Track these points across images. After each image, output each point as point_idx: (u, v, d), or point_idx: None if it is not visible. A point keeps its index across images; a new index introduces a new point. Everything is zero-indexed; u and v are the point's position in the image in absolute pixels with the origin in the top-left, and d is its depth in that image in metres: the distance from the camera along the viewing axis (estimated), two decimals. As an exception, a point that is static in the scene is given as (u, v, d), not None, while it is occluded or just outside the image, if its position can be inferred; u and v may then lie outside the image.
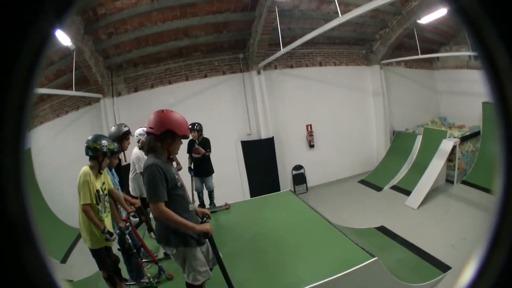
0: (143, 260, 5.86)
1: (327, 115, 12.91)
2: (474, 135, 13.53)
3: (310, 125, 12.51)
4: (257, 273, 5.76)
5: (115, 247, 5.41)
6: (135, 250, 5.44)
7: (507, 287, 0.66)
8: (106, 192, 5.23)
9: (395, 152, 13.97)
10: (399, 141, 14.23)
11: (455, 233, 9.62)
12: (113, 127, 6.30)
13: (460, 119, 14.97)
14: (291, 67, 12.24)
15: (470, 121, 14.33)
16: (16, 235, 0.65)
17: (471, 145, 13.43)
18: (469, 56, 14.14)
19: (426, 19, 11.40)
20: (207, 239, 4.00)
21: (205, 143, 8.43)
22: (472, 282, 0.69)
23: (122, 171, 6.54)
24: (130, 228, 5.44)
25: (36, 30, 0.63)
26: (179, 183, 3.85)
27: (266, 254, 6.37)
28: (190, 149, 8.44)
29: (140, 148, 6.52)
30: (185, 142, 5.14)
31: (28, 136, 0.68)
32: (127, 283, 5.66)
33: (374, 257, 5.73)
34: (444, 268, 8.10)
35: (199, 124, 8.34)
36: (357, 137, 13.92)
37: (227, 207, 8.55)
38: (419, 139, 13.46)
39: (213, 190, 8.80)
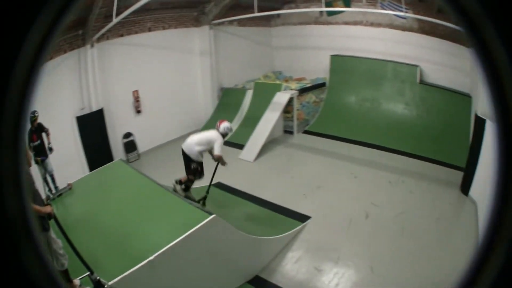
0: None
1: (153, 80, 12.32)
2: (318, 86, 14.12)
3: (137, 91, 12.06)
4: (104, 249, 5.57)
5: None
6: None
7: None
8: None
9: (223, 109, 13.96)
10: (228, 98, 14.28)
11: (304, 182, 9.98)
12: None
13: (301, 72, 15.52)
14: (121, 35, 11.69)
15: (314, 73, 14.93)
16: (14, 234, 0.65)
17: (313, 96, 14.01)
18: (320, 12, 14.76)
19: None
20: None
21: (42, 127, 8.38)
22: (471, 282, 0.69)
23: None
24: None
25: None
26: None
27: (110, 229, 6.11)
28: (30, 138, 8.19)
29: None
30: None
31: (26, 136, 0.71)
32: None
33: (212, 214, 5.67)
34: (302, 218, 8.29)
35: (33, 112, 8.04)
36: (184, 97, 13.70)
37: (69, 187, 8.05)
38: (249, 94, 13.62)
39: (53, 173, 8.68)
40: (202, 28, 13.75)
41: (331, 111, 13.55)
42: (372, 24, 14.09)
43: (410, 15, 12.15)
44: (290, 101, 12.76)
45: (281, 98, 12.38)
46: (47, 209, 4.07)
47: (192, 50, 13.81)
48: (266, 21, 16.33)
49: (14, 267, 0.65)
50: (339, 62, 14.27)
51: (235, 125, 13.04)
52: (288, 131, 13.37)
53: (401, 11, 11.42)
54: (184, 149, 7.84)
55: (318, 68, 14.74)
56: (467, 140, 9.83)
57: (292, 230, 7.82)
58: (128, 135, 11.99)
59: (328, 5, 14.10)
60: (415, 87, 12.74)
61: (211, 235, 5.78)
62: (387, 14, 13.04)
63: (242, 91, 14.10)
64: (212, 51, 13.95)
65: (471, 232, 7.54)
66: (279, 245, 7.53)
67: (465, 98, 11.29)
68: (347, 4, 13.86)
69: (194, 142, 7.74)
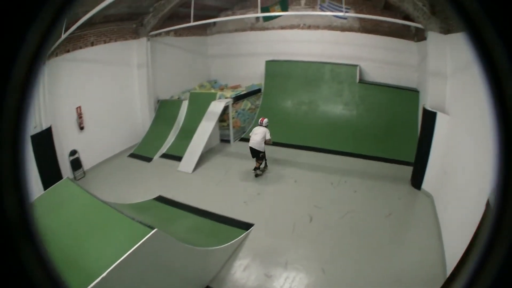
0: None
1: (95, 95, 12.09)
2: (253, 93, 13.97)
3: (80, 107, 11.74)
4: (59, 270, 5.04)
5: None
6: None
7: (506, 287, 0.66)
8: None
9: (160, 121, 13.70)
10: (164, 109, 14.01)
11: (244, 190, 9.89)
12: None
13: (237, 80, 15.37)
14: (68, 51, 11.39)
15: (249, 80, 14.80)
16: (14, 234, 0.66)
17: (249, 103, 13.82)
18: (256, 18, 14.64)
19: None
20: None
21: None
22: (470, 283, 0.69)
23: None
24: None
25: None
26: None
27: (62, 250, 5.71)
28: None
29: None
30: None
31: (26, 135, 0.66)
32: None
33: (154, 229, 5.54)
34: (245, 226, 8.23)
35: None
36: (124, 111, 13.38)
37: None
38: (185, 104, 13.42)
39: None
40: (140, 40, 13.52)
41: (267, 117, 13.27)
42: (309, 27, 14.19)
43: (351, 14, 12.19)
44: (226, 109, 12.60)
45: (216, 107, 12.20)
46: None
47: (130, 62, 13.59)
48: (202, 30, 16.31)
49: (14, 267, 0.64)
50: (274, 67, 14.22)
51: (172, 137, 12.85)
52: (225, 140, 13.19)
53: (341, 11, 11.34)
54: (254, 147, 10.31)
55: (253, 74, 14.70)
56: (415, 134, 9.88)
57: (236, 239, 7.70)
58: (73, 152, 11.61)
59: (264, 10, 13.93)
60: (354, 86, 12.76)
61: (155, 249, 5.77)
62: (325, 15, 13.04)
63: (178, 102, 13.80)
64: (149, 63, 13.68)
65: (429, 224, 7.65)
66: (225, 254, 7.42)
67: (411, 93, 11.38)
68: (284, 8, 13.75)
69: (259, 139, 10.24)
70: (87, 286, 4.64)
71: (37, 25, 0.63)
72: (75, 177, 11.36)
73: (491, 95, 0.67)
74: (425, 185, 8.87)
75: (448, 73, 8.52)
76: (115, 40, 12.82)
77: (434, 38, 8.83)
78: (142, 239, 5.36)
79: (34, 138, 10.19)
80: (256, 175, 10.42)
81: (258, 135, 10.29)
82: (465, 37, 0.68)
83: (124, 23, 13.09)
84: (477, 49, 0.67)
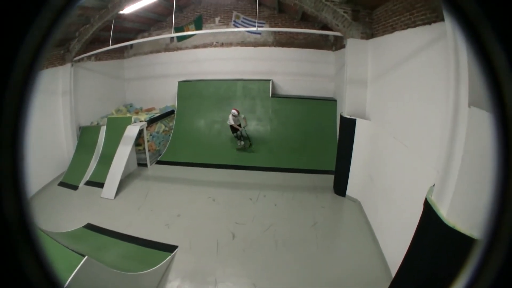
0: None
1: None
2: (166, 115, 14.11)
3: None
4: None
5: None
6: None
7: None
8: None
9: (83, 148, 13.53)
10: (85, 136, 13.86)
11: (164, 212, 9.92)
12: None
13: (151, 103, 15.45)
14: None
15: (163, 102, 14.92)
16: (13, 236, 0.65)
17: (163, 125, 13.92)
18: (170, 38, 14.81)
19: (129, 9, 11.41)
20: None
21: None
22: (470, 284, 0.69)
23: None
24: None
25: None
26: None
27: None
28: None
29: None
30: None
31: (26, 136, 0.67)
32: None
33: (84, 256, 5.42)
34: (169, 248, 8.22)
35: None
36: (49, 140, 13.03)
37: None
38: (103, 130, 13.34)
39: None
40: (65, 66, 13.29)
41: (181, 138, 13.58)
42: (222, 45, 14.41)
43: (264, 29, 12.50)
44: (141, 133, 12.67)
45: (131, 131, 12.22)
46: None
47: (56, 90, 13.29)
48: (120, 53, 16.23)
49: (13, 269, 0.64)
50: (186, 87, 14.38)
51: (93, 163, 12.80)
52: (142, 164, 13.23)
53: (254, 26, 11.59)
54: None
55: (166, 96, 14.88)
56: (333, 143, 10.10)
57: (163, 262, 7.69)
58: None
59: (178, 30, 14.17)
60: (267, 101, 13.13)
61: (91, 277, 5.63)
62: (239, 32, 13.31)
63: (96, 128, 13.66)
64: (71, 89, 13.49)
65: (361, 229, 7.88)
66: (155, 278, 7.41)
67: (329, 102, 11.74)
68: (198, 27, 13.98)
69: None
70: None
71: (36, 26, 0.64)
72: None
73: (490, 96, 0.68)
74: (350, 191, 9.12)
75: (368, 79, 8.75)
76: (46, 67, 12.49)
77: (354, 44, 8.91)
78: (75, 267, 5.23)
79: None
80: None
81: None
82: (464, 38, 0.69)
83: (54, 49, 12.78)
84: (475, 50, 0.67)
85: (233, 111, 12.31)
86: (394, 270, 5.57)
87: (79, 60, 13.55)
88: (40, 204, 11.10)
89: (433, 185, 4.43)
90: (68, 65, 13.27)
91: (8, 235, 0.66)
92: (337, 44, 11.88)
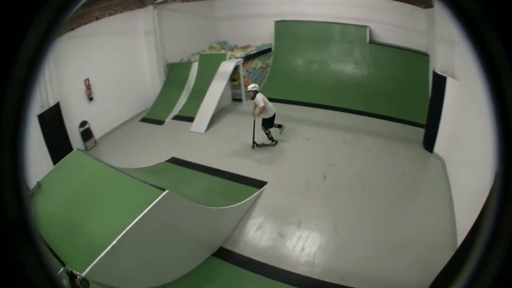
0: None
1: (103, 66, 12.28)
2: (263, 52, 14.03)
3: (88, 79, 11.84)
4: (71, 241, 5.45)
5: None
6: None
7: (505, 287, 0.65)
8: None
9: (171, 84, 13.76)
10: (174, 72, 14.07)
11: (257, 148, 9.89)
12: None
13: (246, 40, 15.35)
14: (73, 29, 11.43)
15: (259, 40, 14.77)
16: (14, 235, 0.65)
17: (260, 62, 13.87)
18: None
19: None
20: None
21: None
22: (470, 282, 0.68)
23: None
24: None
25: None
26: None
27: (74, 220, 5.95)
28: None
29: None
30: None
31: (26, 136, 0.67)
32: None
33: (165, 190, 5.58)
34: (258, 184, 8.17)
35: None
36: (133, 78, 13.61)
37: (38, 185, 7.60)
38: (195, 67, 13.45)
39: None
40: (146, 9, 13.58)
41: (278, 75, 13.44)
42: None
43: None
44: (236, 69, 12.65)
45: (226, 67, 12.23)
46: None
47: (137, 31, 13.74)
48: (209, -6, 16.31)
49: (14, 269, 0.64)
50: (283, 27, 14.12)
51: (183, 98, 12.99)
52: (237, 99, 13.28)
53: None
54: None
55: (263, 34, 14.64)
56: (425, 97, 9.69)
57: (250, 197, 7.70)
58: (83, 123, 11.76)
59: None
60: (365, 47, 12.63)
61: (168, 211, 5.81)
62: None
63: (187, 65, 13.82)
64: (156, 29, 13.77)
65: (441, 189, 7.53)
66: (238, 213, 7.43)
67: (422, 56, 11.20)
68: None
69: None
70: (98, 254, 4.80)
71: (37, 25, 0.62)
72: (86, 148, 11.51)
73: (491, 94, 0.66)
74: (437, 148, 8.80)
75: (455, 41, 8.33)
76: (121, 12, 12.90)
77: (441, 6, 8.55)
78: (153, 201, 5.46)
79: (41, 116, 10.31)
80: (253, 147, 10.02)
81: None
82: (464, 37, 0.68)
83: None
84: (476, 48, 0.66)
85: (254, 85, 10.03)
86: (460, 239, 5.55)
87: (162, 3, 13.78)
88: (120, 140, 11.65)
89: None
90: (150, 7, 13.52)
91: (9, 233, 0.64)
92: (426, 2, 11.35)
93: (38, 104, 10.43)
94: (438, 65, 8.76)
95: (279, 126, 10.09)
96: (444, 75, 8.33)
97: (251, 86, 9.82)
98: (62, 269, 4.52)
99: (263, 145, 9.97)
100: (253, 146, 9.94)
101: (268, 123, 9.84)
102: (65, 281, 4.54)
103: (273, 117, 9.81)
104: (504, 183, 0.66)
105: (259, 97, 9.60)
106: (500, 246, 0.65)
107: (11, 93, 0.62)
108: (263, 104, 9.53)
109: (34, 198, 7.21)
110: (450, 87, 8.19)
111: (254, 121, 9.79)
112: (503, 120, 0.65)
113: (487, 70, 0.65)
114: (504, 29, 0.61)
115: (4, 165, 0.64)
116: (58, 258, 4.48)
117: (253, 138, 9.88)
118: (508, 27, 0.61)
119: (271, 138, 10.00)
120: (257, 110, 9.68)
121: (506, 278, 0.64)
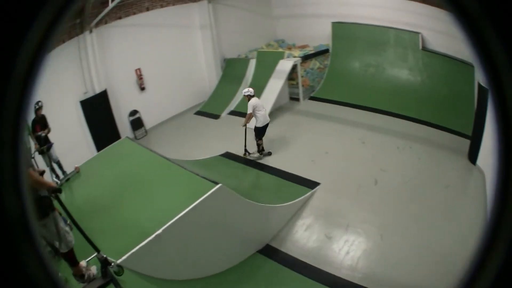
0: None
1: (155, 56, 12.89)
2: (321, 53, 14.18)
3: (139, 69, 12.19)
4: (111, 228, 5.66)
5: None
6: None
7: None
8: None
9: (228, 79, 14.02)
10: (231, 68, 14.31)
11: (312, 148, 9.96)
12: None
13: (303, 40, 15.41)
14: (120, 18, 11.72)
15: (316, 40, 14.84)
16: (14, 235, 0.64)
17: (318, 62, 14.06)
18: None
19: None
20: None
21: (45, 122, 8.44)
22: (471, 282, 0.68)
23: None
24: None
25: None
26: None
27: (116, 207, 6.18)
28: (34, 129, 8.20)
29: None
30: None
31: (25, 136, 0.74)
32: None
33: (218, 184, 5.71)
34: (311, 184, 8.29)
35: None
36: (187, 71, 13.92)
37: (77, 171, 8.01)
38: (253, 63, 13.65)
39: (58, 160, 8.80)
40: (200, 3, 13.86)
41: (336, 77, 13.52)
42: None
43: None
44: (294, 68, 12.82)
45: (284, 65, 12.45)
46: (52, 183, 4.18)
47: (191, 25, 14.01)
48: (265, -9, 16.31)
49: (14, 269, 0.65)
50: (341, 29, 14.17)
51: (240, 94, 13.14)
52: (294, 98, 13.46)
53: None
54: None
55: (320, 35, 14.67)
56: (471, 108, 9.69)
57: (301, 197, 7.85)
58: (134, 112, 12.17)
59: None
60: (418, 53, 12.64)
61: (218, 205, 5.88)
62: None
63: (245, 61, 14.12)
64: (212, 24, 14.03)
65: (479, 202, 7.45)
66: (288, 212, 7.56)
67: (468, 66, 11.13)
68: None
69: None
70: (139, 244, 4.93)
71: (38, 24, 0.62)
72: (135, 137, 11.89)
73: (491, 94, 0.67)
74: (479, 161, 8.81)
75: None
76: (173, 4, 13.16)
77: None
78: (205, 194, 5.59)
79: (85, 103, 10.63)
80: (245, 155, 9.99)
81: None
82: (464, 37, 0.68)
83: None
84: (476, 48, 0.67)
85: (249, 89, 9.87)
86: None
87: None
88: (172, 131, 11.97)
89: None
90: (205, 2, 13.74)
91: (10, 234, 0.65)
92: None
93: (81, 91, 10.76)
94: (481, 77, 8.56)
95: (268, 153, 9.97)
96: (486, 87, 8.30)
97: (245, 90, 9.67)
98: (93, 255, 4.65)
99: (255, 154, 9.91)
100: (245, 153, 9.88)
101: (258, 133, 9.67)
102: (95, 268, 4.69)
103: (265, 126, 9.58)
104: (504, 183, 0.67)
105: (252, 102, 9.39)
106: (499, 246, 0.66)
107: (12, 94, 0.62)
108: (251, 111, 9.32)
109: (69, 183, 7.55)
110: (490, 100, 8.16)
111: (245, 128, 9.67)
112: (503, 120, 0.66)
113: (487, 70, 0.66)
114: (505, 27, 0.61)
115: (4, 165, 0.64)
116: (91, 243, 4.48)
117: (245, 145, 9.82)
118: (508, 25, 0.61)
119: (260, 150, 9.81)
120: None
121: (506, 278, 0.65)
